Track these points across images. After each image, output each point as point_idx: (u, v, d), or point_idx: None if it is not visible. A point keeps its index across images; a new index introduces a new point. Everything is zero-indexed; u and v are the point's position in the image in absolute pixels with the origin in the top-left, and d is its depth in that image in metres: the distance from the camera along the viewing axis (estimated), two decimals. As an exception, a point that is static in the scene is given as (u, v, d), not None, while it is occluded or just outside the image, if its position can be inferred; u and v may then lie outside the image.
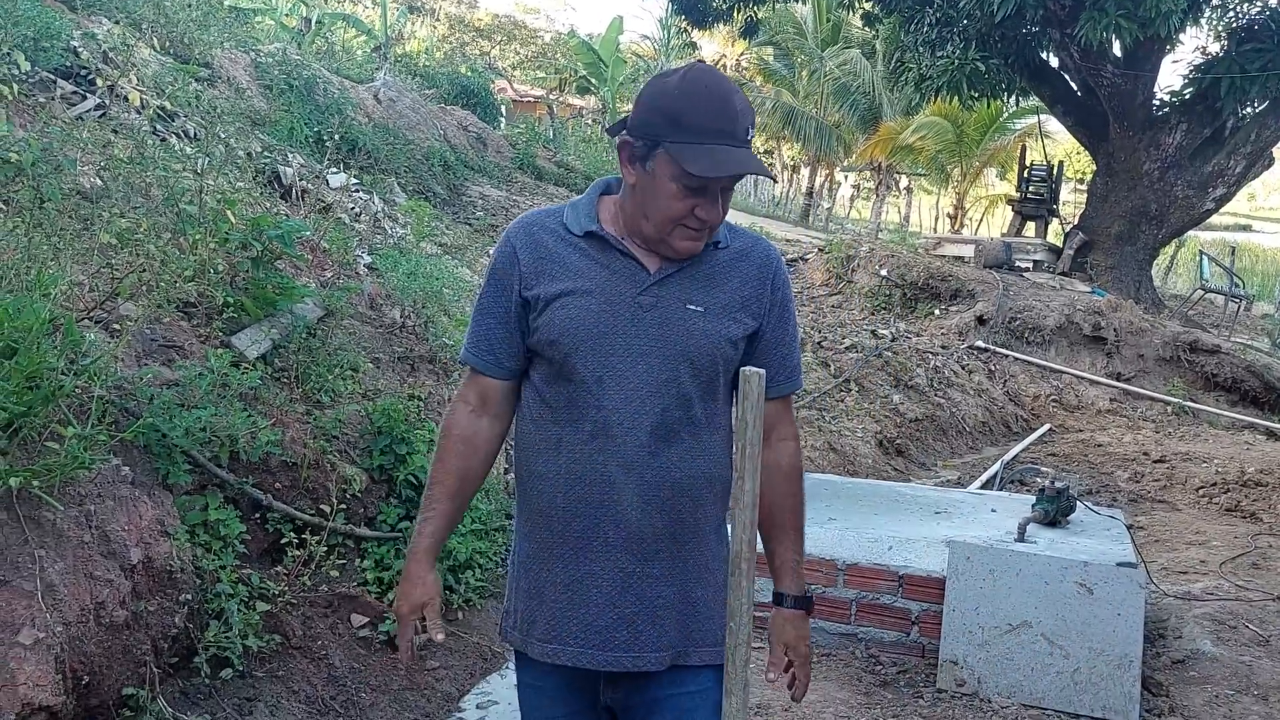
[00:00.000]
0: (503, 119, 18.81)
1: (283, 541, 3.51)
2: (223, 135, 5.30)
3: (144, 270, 3.31)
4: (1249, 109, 12.53)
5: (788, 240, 17.20)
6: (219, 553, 3.25)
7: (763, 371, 1.38)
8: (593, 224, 1.79)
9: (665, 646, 1.77)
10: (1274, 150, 13.15)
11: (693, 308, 1.76)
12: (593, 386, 1.73)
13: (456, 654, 3.78)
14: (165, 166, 3.98)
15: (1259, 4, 12.72)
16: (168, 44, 7.44)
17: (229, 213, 3.72)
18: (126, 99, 5.08)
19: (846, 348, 9.54)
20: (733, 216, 1.87)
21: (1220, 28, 12.85)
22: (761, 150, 37.30)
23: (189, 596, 2.95)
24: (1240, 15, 12.69)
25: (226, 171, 4.53)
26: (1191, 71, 12.74)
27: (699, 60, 1.89)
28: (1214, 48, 12.88)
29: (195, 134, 5.62)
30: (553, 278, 1.77)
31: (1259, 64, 11.78)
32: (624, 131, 1.75)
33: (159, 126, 5.44)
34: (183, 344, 3.66)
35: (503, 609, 1.92)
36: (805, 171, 33.47)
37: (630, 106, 1.95)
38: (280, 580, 3.46)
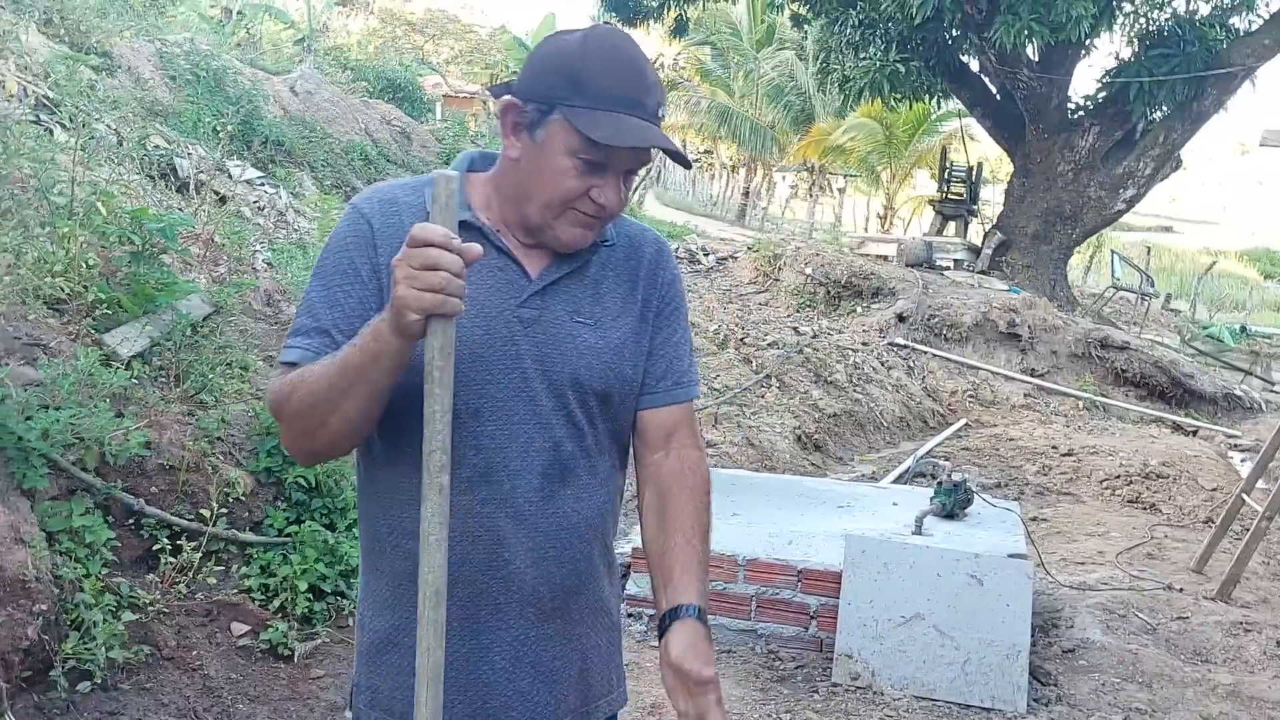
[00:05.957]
0: (435, 115, 18.55)
1: (156, 548, 3.38)
2: (110, 125, 5.11)
3: (5, 264, 3.15)
4: (1157, 113, 12.87)
5: (722, 239, 17.27)
6: (84, 561, 3.12)
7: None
8: (465, 211, 1.44)
9: (565, 713, 1.55)
10: (1181, 153, 13.52)
11: (581, 320, 1.49)
12: (468, 422, 1.42)
13: (344, 661, 3.68)
14: (36, 156, 3.80)
15: (1168, 11, 13.11)
16: (62, 32, 7.18)
17: (100, 205, 3.57)
18: (4, 86, 4.87)
19: (768, 344, 9.57)
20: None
21: (1131, 34, 13.21)
22: (701, 149, 37.49)
23: (45, 607, 2.81)
24: (1150, 22, 13.06)
25: (108, 162, 4.36)
26: (1104, 76, 13.06)
27: (605, 22, 1.64)
28: (1125, 53, 13.23)
29: (85, 124, 5.42)
30: None
31: (1166, 69, 12.12)
32: (508, 94, 1.45)
33: (42, 116, 5.23)
34: (50, 342, 3.51)
35: (354, 679, 1.59)
36: (742, 171, 33.68)
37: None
38: (153, 589, 3.33)
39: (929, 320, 10.81)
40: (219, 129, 5.83)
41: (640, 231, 1.62)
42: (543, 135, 1.42)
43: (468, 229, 1.42)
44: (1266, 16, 12.70)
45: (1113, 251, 17.57)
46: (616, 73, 1.41)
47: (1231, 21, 12.89)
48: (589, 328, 1.50)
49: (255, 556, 3.75)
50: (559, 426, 1.47)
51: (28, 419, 3.01)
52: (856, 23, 13.49)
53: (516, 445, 1.45)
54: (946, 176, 15.46)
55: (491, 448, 1.44)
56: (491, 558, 1.46)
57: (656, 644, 1.72)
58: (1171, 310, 17.94)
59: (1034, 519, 6.21)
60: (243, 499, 3.75)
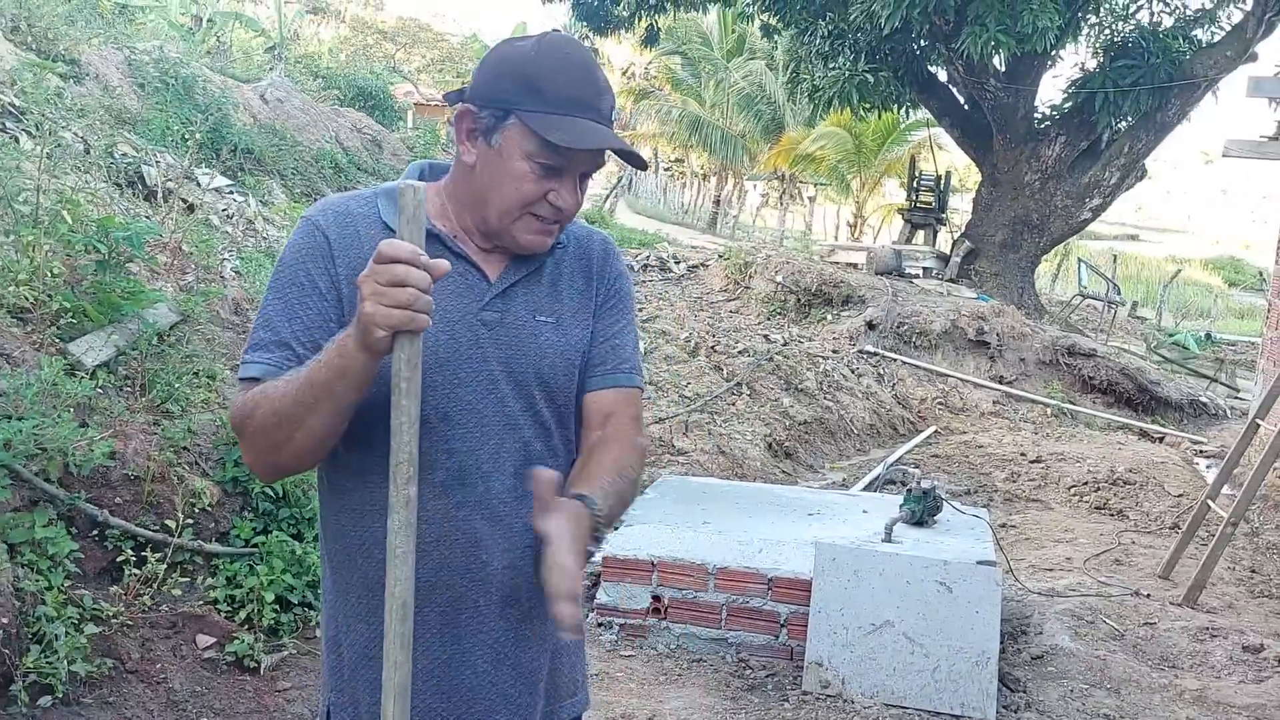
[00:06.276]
0: (406, 123, 18.49)
1: (120, 560, 3.34)
2: (77, 133, 5.05)
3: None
4: (1122, 123, 13.05)
5: (693, 247, 17.33)
6: (46, 573, 3.08)
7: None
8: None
9: (539, 712, 1.58)
10: (1146, 163, 13.72)
11: (542, 319, 1.53)
12: (439, 426, 1.43)
13: (311, 673, 3.64)
14: (0, 164, 3.76)
15: (1132, 23, 13.32)
16: (29, 39, 7.10)
17: (66, 213, 3.52)
18: (-34, 93, 4.81)
19: (739, 352, 9.60)
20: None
21: (1096, 45, 13.41)
22: (672, 158, 37.63)
23: (5, 620, 2.77)
24: (1115, 33, 13.26)
25: (74, 170, 4.31)
26: (1069, 86, 13.23)
27: (555, 29, 1.69)
28: (1090, 64, 13.42)
29: (51, 131, 5.36)
30: None
31: (1131, 80, 12.30)
32: (463, 100, 1.48)
33: (8, 124, 5.17)
34: (13, 351, 3.46)
35: (327, 700, 1.56)
36: (713, 180, 33.85)
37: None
38: (117, 601, 3.29)
39: (898, 328, 10.89)
40: (187, 137, 5.78)
41: (587, 233, 1.65)
42: (499, 140, 1.45)
43: (426, 236, 1.42)
44: (1228, 29, 12.92)
45: (1080, 260, 17.81)
46: (571, 77, 1.44)
47: (1194, 33, 13.10)
48: (551, 326, 1.53)
49: (221, 567, 3.71)
50: (527, 427, 1.50)
51: (-12, 430, 2.97)
52: (826, 33, 13.60)
53: (488, 447, 1.47)
54: (915, 185, 15.60)
55: (463, 451, 1.46)
56: (469, 560, 1.47)
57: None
58: (1138, 318, 18.20)
59: (1003, 526, 6.26)
60: (209, 509, 3.72)
